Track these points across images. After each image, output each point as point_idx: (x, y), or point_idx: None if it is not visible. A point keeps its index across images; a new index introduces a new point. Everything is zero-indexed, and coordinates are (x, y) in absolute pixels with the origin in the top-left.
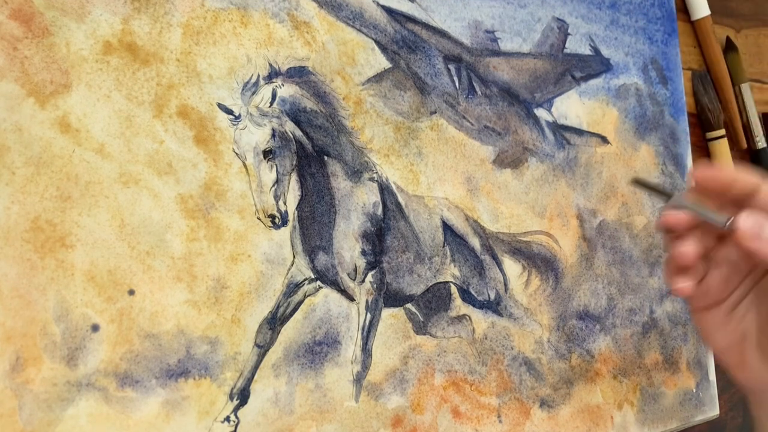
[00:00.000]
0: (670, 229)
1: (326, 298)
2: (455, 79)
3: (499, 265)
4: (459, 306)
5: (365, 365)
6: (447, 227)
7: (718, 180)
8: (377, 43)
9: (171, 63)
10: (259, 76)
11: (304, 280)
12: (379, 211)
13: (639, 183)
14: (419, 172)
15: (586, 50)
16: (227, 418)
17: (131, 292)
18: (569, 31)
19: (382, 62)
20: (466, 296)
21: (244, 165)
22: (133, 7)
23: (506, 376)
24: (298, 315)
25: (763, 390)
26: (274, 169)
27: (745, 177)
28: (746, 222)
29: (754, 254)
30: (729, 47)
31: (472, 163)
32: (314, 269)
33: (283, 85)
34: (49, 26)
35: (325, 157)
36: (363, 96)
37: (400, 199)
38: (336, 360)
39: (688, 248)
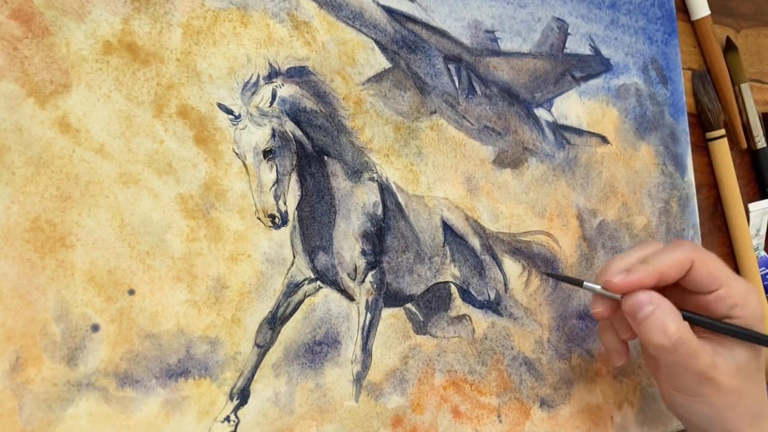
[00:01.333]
0: (602, 317)
1: (326, 298)
2: (455, 79)
3: (499, 265)
4: (459, 306)
5: (365, 365)
6: (447, 227)
7: (644, 284)
8: (377, 43)
9: (171, 63)
10: (259, 76)
11: (304, 280)
12: (379, 211)
13: (551, 276)
14: (419, 172)
15: (586, 50)
16: (227, 418)
17: (131, 292)
18: (569, 31)
19: (382, 62)
20: (466, 296)
21: (244, 165)
22: (133, 7)
23: (506, 376)
24: (298, 315)
25: (679, 417)
26: (274, 169)
27: (667, 266)
28: (625, 302)
29: (635, 328)
30: (729, 47)
31: (472, 163)
32: (314, 269)
33: (283, 85)
34: (49, 26)
35: (325, 157)
36: (363, 96)
37: (400, 199)
38: (336, 360)
39: (610, 336)
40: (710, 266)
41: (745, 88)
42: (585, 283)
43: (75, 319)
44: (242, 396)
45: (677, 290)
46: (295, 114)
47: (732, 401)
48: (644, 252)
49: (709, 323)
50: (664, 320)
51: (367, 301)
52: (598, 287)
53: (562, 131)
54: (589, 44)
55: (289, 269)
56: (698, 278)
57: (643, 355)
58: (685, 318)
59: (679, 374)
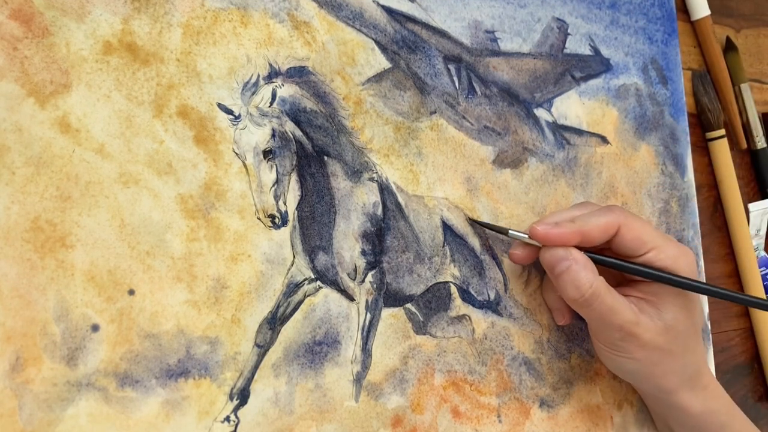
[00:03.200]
0: (518, 262)
1: (326, 298)
2: (455, 79)
3: (498, 265)
4: (459, 306)
5: (365, 365)
6: (447, 227)
7: (566, 240)
8: (377, 43)
9: (171, 63)
10: (259, 76)
11: (304, 280)
12: (379, 211)
13: (476, 222)
14: (419, 172)
15: (586, 50)
16: (227, 418)
17: (131, 292)
18: (569, 31)
19: (382, 62)
20: (466, 296)
21: (244, 165)
22: (133, 7)
23: (506, 376)
24: (298, 315)
25: (620, 374)
26: (274, 169)
27: (593, 228)
28: (543, 255)
29: (554, 283)
30: (729, 47)
31: (472, 163)
32: (314, 269)
33: (283, 85)
34: (49, 26)
35: (325, 157)
36: (363, 96)
37: (400, 199)
38: (336, 360)
39: (551, 295)
40: (637, 231)
41: (745, 88)
42: (510, 231)
43: (75, 319)
44: (242, 396)
45: (609, 255)
46: (295, 114)
47: (657, 358)
48: (579, 212)
49: (614, 263)
50: (577, 274)
51: (367, 301)
52: (524, 235)
53: (561, 131)
54: (589, 44)
55: (289, 269)
56: (625, 243)
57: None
58: (595, 261)
59: (601, 328)
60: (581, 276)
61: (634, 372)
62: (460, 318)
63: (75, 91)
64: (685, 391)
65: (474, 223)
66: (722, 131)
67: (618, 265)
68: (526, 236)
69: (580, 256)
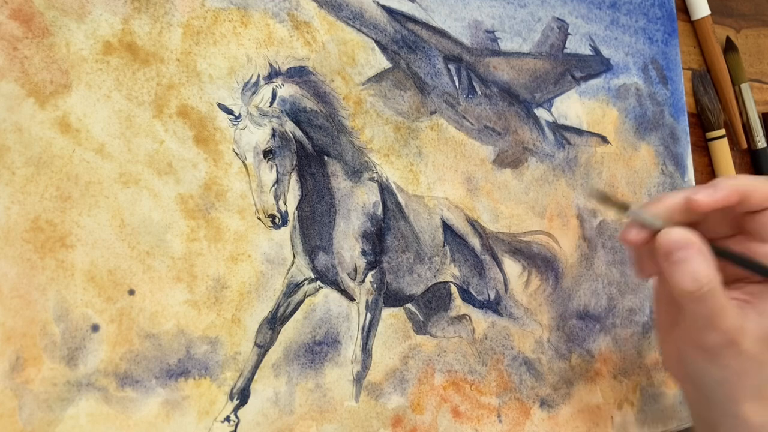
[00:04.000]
0: (632, 245)
1: (326, 298)
2: (455, 79)
3: (499, 265)
4: (459, 306)
5: (365, 365)
6: (447, 227)
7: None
8: (377, 43)
9: (171, 63)
10: (259, 76)
11: (304, 280)
12: (379, 211)
13: (597, 196)
14: (419, 172)
15: (586, 50)
16: (227, 418)
17: (131, 292)
18: (569, 31)
19: (382, 62)
20: (466, 296)
21: (244, 165)
22: (133, 7)
23: (506, 376)
24: (298, 315)
25: (680, 380)
26: (274, 169)
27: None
28: (662, 238)
29: (665, 268)
30: (729, 47)
31: (472, 163)
32: (314, 269)
33: (283, 85)
34: (49, 26)
35: (325, 157)
36: (363, 96)
37: (400, 199)
38: (336, 360)
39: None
40: None
41: (745, 88)
42: (631, 209)
43: (75, 319)
44: (242, 396)
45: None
46: (295, 114)
47: (748, 368)
48: (689, 191)
49: (749, 263)
50: (699, 265)
51: (367, 301)
52: (647, 216)
53: (562, 131)
54: (589, 44)
55: (289, 269)
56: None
57: (656, 304)
58: (718, 253)
59: (702, 330)
60: (702, 268)
61: (719, 379)
62: (460, 318)
63: (75, 91)
64: (752, 402)
65: (595, 194)
66: (722, 131)
67: (739, 259)
68: (647, 216)
69: (704, 246)
